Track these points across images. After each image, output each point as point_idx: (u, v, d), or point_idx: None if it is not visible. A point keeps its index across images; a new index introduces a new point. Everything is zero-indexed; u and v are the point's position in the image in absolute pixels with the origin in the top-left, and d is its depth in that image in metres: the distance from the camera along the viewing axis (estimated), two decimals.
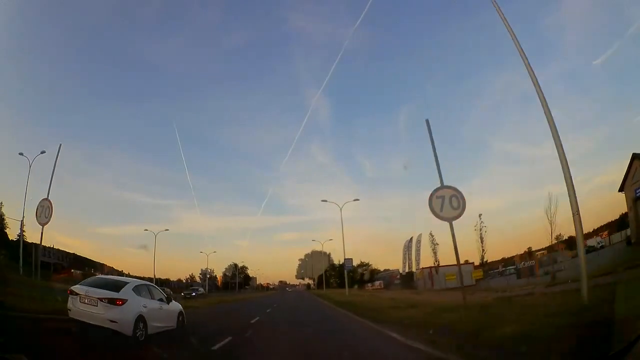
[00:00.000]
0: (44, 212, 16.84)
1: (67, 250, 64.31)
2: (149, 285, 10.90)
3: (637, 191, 26.84)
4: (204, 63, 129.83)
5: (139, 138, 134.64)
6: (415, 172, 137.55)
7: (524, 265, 38.11)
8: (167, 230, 66.83)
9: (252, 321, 15.02)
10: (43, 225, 16.91)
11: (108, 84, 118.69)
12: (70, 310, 8.51)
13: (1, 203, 48.83)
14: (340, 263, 70.94)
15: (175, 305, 11.50)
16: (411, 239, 56.75)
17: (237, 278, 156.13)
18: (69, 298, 8.70)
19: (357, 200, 42.12)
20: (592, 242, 38.30)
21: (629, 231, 30.07)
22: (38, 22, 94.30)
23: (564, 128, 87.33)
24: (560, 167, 8.70)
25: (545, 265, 32.51)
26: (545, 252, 39.74)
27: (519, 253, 49.62)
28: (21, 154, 32.15)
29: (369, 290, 59.66)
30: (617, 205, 32.79)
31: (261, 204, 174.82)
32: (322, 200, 35.18)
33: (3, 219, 48.53)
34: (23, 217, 32.20)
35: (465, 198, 11.09)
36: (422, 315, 11.94)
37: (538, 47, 75.65)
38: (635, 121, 49.35)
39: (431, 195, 11.33)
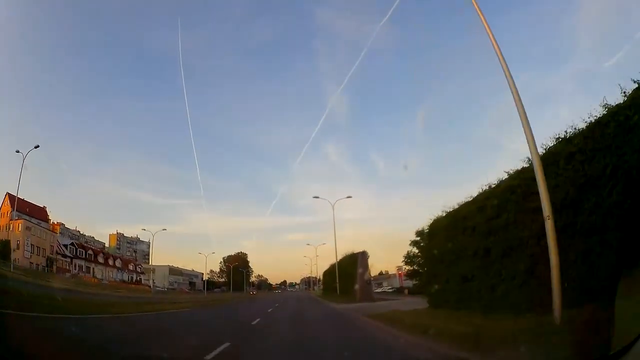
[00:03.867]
0: None
1: None
2: None
3: None
4: (222, 58, 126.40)
5: (150, 135, 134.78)
6: (424, 172, 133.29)
7: None
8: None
9: None
10: None
11: (118, 79, 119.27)
12: None
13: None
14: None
15: None
16: None
17: (222, 276, 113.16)
18: None
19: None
20: None
21: None
22: (45, 13, 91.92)
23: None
24: None
25: None
26: None
27: None
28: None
29: None
30: None
31: (271, 204, 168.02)
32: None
33: None
34: None
35: None
36: None
37: (553, 48, 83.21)
38: None
39: None
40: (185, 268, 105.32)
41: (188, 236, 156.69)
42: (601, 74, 78.05)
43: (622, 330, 3.65)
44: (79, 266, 69.55)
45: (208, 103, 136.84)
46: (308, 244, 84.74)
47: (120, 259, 79.66)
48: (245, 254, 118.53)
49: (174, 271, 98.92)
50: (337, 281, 36.18)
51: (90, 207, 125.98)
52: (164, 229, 65.15)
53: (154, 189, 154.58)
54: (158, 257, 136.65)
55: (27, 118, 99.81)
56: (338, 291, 35.97)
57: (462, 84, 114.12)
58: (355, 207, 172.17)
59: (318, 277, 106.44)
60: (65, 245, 67.52)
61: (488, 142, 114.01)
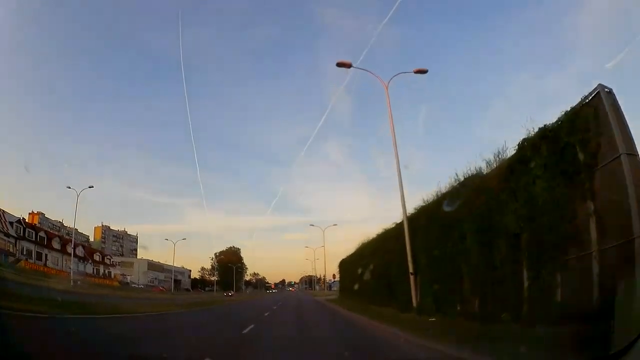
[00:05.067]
0: None
1: None
2: None
3: None
4: (223, 57, 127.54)
5: (150, 134, 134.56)
6: (424, 172, 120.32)
7: None
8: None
9: None
10: None
11: (119, 78, 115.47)
12: None
13: None
14: None
15: None
16: None
17: (213, 274, 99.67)
18: None
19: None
20: None
21: None
22: (44, 15, 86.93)
23: None
24: None
25: None
26: None
27: None
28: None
29: None
30: None
31: (271, 203, 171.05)
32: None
33: None
34: None
35: None
36: None
37: (553, 49, 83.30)
38: None
39: None
40: (166, 263, 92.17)
41: (188, 235, 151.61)
42: (602, 75, 73.97)
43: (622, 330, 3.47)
44: (27, 250, 56.89)
45: (209, 102, 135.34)
46: (312, 225, 66.98)
47: (83, 247, 66.65)
48: (238, 249, 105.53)
49: (153, 266, 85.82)
50: (412, 270, 12.85)
51: (90, 205, 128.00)
52: (90, 186, 49.28)
53: (154, 188, 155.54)
54: (156, 256, 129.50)
55: (28, 118, 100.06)
56: (415, 301, 12.76)
57: (463, 83, 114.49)
58: (354, 206, 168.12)
59: (321, 276, 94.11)
60: (11, 223, 54.91)
61: (488, 142, 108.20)
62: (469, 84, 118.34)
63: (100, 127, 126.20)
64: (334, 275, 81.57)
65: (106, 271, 70.66)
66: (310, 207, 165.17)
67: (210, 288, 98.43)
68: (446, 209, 10.91)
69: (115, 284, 67.02)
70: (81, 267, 65.31)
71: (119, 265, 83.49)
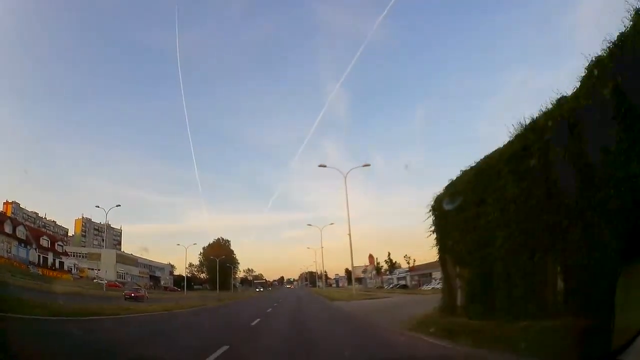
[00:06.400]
0: None
1: None
2: None
3: None
4: (219, 56, 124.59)
5: (148, 134, 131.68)
6: (424, 170, 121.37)
7: None
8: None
9: None
10: None
11: (115, 76, 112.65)
12: None
13: None
14: None
15: None
16: None
17: (202, 270, 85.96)
18: None
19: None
20: None
21: None
22: (40, 13, 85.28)
23: None
24: None
25: None
26: None
27: None
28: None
29: None
30: None
31: (269, 202, 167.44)
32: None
33: None
34: None
35: None
36: None
37: (552, 46, 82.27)
38: None
39: None
40: (141, 257, 78.98)
41: (187, 234, 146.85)
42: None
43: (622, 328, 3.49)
44: None
45: (206, 100, 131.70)
46: (323, 166, 34.48)
47: (25, 227, 53.80)
48: (228, 241, 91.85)
49: (125, 260, 72.78)
50: None
51: (88, 205, 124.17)
52: None
53: (152, 187, 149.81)
54: (156, 257, 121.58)
55: (26, 117, 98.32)
56: None
57: (462, 80, 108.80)
58: (355, 204, 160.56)
59: (323, 272, 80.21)
60: None
61: (489, 140, 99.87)
62: (468, 79, 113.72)
63: (96, 125, 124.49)
64: (370, 258, 61.64)
65: (56, 261, 57.64)
66: (309, 205, 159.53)
67: (199, 286, 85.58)
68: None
69: (66, 277, 54.06)
70: (22, 252, 52.40)
71: (84, 256, 71.00)
